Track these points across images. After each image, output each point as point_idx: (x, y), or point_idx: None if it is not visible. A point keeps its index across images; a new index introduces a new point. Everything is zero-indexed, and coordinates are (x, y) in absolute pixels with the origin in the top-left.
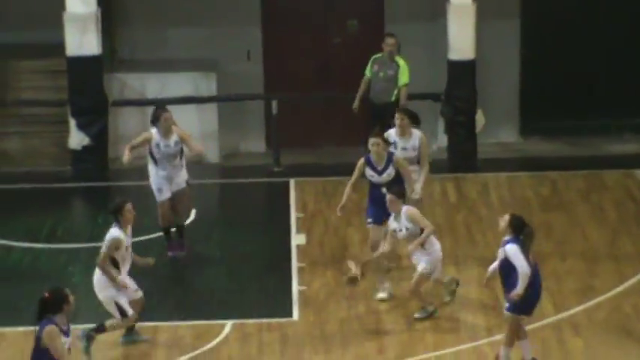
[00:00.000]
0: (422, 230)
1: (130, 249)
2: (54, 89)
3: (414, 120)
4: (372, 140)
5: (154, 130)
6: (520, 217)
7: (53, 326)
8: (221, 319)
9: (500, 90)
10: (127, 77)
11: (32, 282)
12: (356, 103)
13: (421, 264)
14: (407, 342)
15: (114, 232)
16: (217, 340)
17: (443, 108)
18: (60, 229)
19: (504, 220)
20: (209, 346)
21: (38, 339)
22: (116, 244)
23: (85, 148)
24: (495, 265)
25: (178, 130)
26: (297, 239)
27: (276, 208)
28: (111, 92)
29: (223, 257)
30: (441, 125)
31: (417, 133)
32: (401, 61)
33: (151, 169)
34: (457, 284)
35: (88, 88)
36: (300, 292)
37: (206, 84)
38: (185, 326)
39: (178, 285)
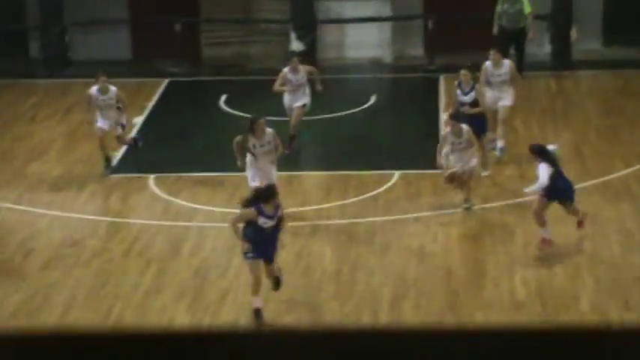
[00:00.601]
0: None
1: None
2: (281, 11)
3: (503, 53)
4: (462, 72)
5: (286, 69)
6: (535, 144)
7: (252, 209)
8: (392, 170)
9: (589, 11)
10: (330, 4)
11: None
12: (495, 29)
13: (473, 161)
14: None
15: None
16: (389, 184)
17: (548, 26)
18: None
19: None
20: (384, 188)
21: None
22: (242, 143)
23: (301, 52)
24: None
25: (306, 68)
26: (444, 116)
27: (430, 94)
28: (319, 13)
29: (393, 127)
30: (546, 38)
31: (506, 62)
32: None
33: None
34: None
35: (303, 11)
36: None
37: (383, 7)
38: (368, 174)
39: (364, 145)
